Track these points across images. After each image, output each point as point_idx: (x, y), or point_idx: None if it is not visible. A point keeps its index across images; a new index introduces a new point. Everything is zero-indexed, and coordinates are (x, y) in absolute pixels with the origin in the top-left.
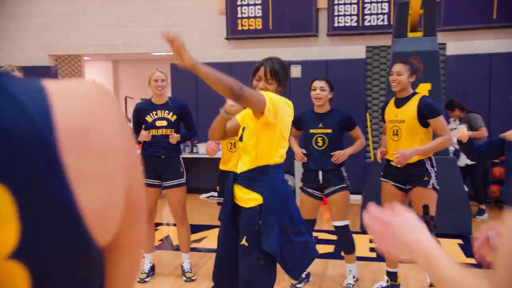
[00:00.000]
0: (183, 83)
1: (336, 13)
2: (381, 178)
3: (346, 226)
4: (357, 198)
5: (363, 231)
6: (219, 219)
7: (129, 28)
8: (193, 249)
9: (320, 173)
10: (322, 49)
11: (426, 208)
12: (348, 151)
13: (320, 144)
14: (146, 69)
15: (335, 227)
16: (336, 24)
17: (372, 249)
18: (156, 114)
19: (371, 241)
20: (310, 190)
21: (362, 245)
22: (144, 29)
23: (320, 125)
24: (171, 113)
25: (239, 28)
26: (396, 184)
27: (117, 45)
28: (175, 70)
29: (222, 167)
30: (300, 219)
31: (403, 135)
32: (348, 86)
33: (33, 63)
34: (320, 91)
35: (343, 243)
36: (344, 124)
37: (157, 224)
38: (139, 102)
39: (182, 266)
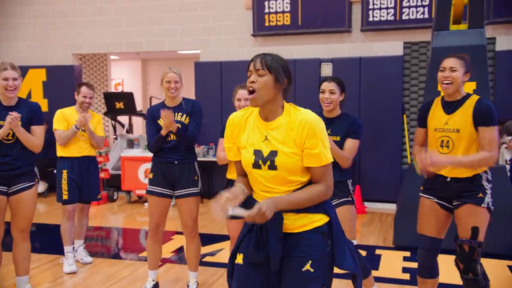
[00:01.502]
0: (208, 83)
1: (371, 7)
2: (421, 194)
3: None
4: (391, 207)
5: (397, 247)
6: (250, 260)
7: (153, 26)
8: (205, 263)
9: None
10: (355, 45)
11: (475, 231)
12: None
13: None
14: None
15: None
16: (371, 19)
17: (406, 269)
18: None
19: (405, 259)
20: None
21: (394, 263)
22: (168, 26)
23: (328, 132)
24: (184, 115)
25: (266, 24)
26: (440, 202)
27: (141, 43)
28: (199, 69)
29: (230, 176)
30: None
31: (457, 147)
32: (383, 85)
33: (58, 62)
34: (329, 95)
35: None
36: (349, 131)
37: (177, 233)
38: (151, 106)
39: (187, 286)
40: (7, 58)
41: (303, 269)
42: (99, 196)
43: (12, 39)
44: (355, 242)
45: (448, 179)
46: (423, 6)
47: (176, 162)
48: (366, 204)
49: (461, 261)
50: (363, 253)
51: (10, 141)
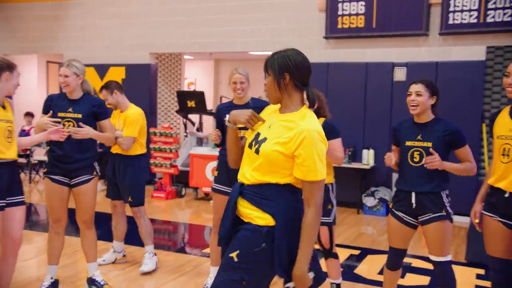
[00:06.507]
0: None
1: (452, 9)
2: (484, 212)
3: (446, 263)
4: (465, 221)
5: (470, 263)
6: (219, 235)
7: (225, 27)
8: None
9: (413, 195)
10: (432, 49)
11: None
12: (447, 164)
13: (417, 159)
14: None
15: (432, 262)
16: (450, 22)
17: (478, 287)
18: None
19: (478, 277)
20: (400, 214)
21: (465, 281)
22: (240, 27)
23: (419, 137)
24: None
25: (339, 26)
26: (504, 221)
27: (213, 44)
28: None
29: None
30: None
31: None
32: (461, 92)
33: (136, 61)
34: (415, 97)
35: (440, 283)
36: (449, 139)
37: None
38: (220, 103)
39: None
40: (90, 57)
41: (230, 255)
42: (129, 200)
43: (93, 39)
44: (449, 258)
45: (507, 195)
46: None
47: None
48: None
49: None
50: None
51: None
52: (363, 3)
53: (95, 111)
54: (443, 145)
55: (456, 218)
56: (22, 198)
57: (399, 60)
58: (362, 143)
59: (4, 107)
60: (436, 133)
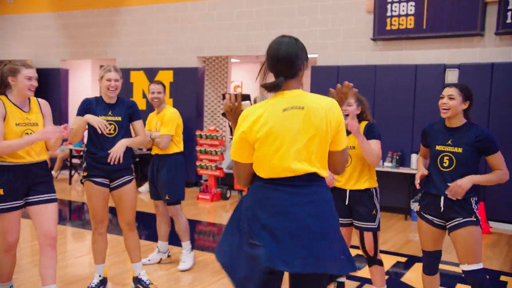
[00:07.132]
0: (324, 87)
1: (510, 7)
2: None
3: (479, 272)
4: (510, 229)
5: None
6: None
7: (272, 30)
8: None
9: (442, 199)
10: (488, 50)
11: None
12: (476, 179)
13: (446, 164)
14: None
15: (463, 271)
16: (509, 20)
17: None
18: None
19: None
20: (429, 217)
21: None
22: (286, 30)
23: (449, 142)
24: None
25: (388, 27)
26: None
27: (260, 47)
28: (315, 73)
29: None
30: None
31: None
32: None
33: (184, 64)
34: (447, 100)
35: None
36: (481, 145)
37: None
38: None
39: None
40: (140, 61)
41: None
42: (167, 198)
43: (144, 44)
44: (481, 266)
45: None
46: None
47: None
48: (492, 223)
49: None
50: None
51: (112, 135)
52: (413, 3)
53: (130, 113)
54: (474, 151)
55: (507, 227)
56: (50, 195)
57: (451, 62)
58: (410, 148)
59: (27, 111)
60: (467, 139)
